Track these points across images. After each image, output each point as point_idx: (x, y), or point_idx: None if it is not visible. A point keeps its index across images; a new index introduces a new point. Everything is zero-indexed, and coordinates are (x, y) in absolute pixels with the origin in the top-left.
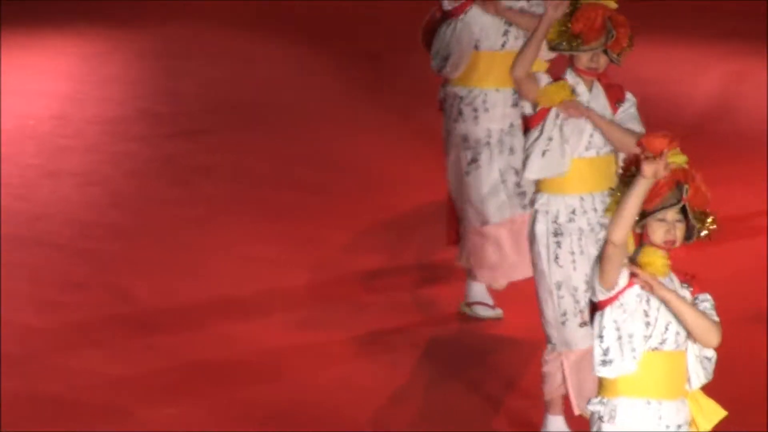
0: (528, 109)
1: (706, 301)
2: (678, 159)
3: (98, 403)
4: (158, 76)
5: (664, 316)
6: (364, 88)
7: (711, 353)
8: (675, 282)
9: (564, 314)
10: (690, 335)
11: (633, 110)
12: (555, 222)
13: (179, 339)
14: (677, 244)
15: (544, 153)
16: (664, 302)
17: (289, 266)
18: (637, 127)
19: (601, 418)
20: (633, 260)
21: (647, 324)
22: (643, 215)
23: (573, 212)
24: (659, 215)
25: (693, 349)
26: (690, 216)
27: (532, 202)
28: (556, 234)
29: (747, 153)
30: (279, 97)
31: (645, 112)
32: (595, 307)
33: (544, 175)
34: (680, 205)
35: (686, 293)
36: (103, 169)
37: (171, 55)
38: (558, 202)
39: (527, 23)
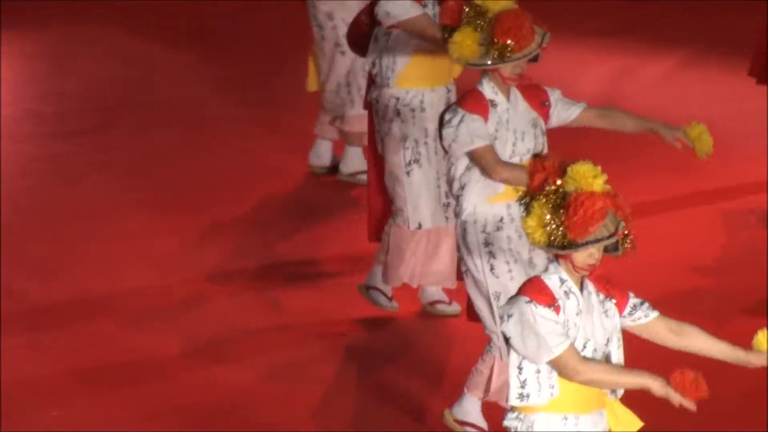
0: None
1: (640, 306)
2: (600, 181)
3: None
4: (44, 77)
5: (583, 334)
6: (240, 87)
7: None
8: (594, 297)
9: None
10: None
11: (561, 99)
12: (484, 231)
13: (67, 338)
14: (598, 261)
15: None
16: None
17: (182, 262)
18: (578, 103)
19: None
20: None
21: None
22: (573, 244)
23: (501, 221)
24: (590, 247)
25: (617, 360)
26: (619, 245)
27: (458, 213)
28: (487, 244)
29: (631, 149)
30: (164, 96)
31: None
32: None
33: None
34: (614, 239)
35: (610, 306)
36: None
37: (56, 55)
38: (485, 212)
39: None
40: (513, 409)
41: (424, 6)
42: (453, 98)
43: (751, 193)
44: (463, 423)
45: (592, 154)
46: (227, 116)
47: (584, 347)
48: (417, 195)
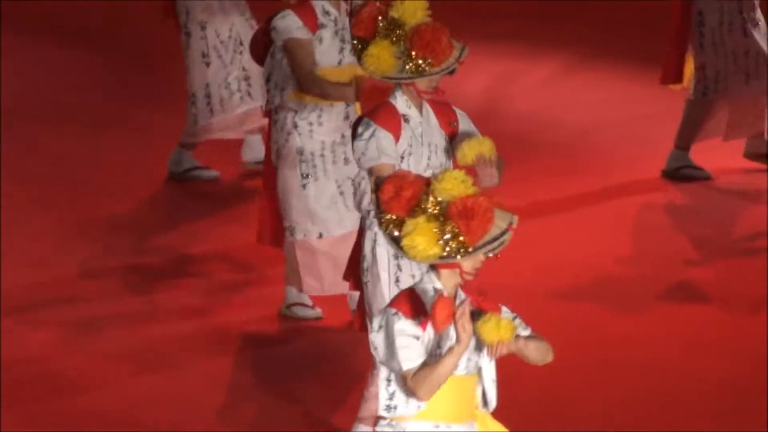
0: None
1: (515, 319)
2: (470, 183)
3: None
4: None
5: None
6: (128, 88)
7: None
8: (467, 303)
9: None
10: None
11: (465, 123)
12: None
13: None
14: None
15: None
16: (518, 352)
17: (74, 264)
18: (477, 133)
19: None
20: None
21: (439, 355)
22: (468, 251)
23: None
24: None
25: (489, 373)
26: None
27: (368, 224)
28: (396, 257)
29: (517, 154)
30: (46, 98)
31: None
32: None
33: None
34: (509, 236)
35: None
36: None
37: None
38: None
39: None
40: (384, 416)
41: (322, 27)
42: (352, 112)
43: (641, 193)
44: None
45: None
46: (111, 117)
47: None
48: (314, 207)
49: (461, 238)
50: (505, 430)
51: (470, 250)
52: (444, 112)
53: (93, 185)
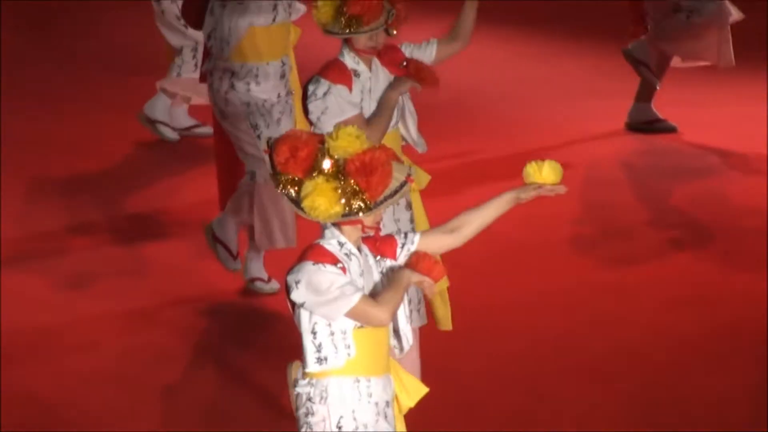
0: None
1: (405, 239)
2: (364, 138)
3: None
4: None
5: (374, 294)
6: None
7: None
8: (371, 258)
9: None
10: None
11: (413, 46)
12: None
13: None
14: (380, 45)
15: None
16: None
17: (40, 244)
18: (429, 44)
19: (311, 399)
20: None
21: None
22: (372, 206)
23: None
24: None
25: (404, 311)
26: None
27: None
28: None
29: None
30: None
31: None
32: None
33: None
34: (408, 187)
35: (384, 263)
36: None
37: None
38: None
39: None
40: (304, 375)
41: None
42: (288, 71)
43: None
44: None
45: None
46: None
47: None
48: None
49: (362, 195)
50: (418, 382)
51: (372, 206)
52: (391, 57)
53: (62, 145)
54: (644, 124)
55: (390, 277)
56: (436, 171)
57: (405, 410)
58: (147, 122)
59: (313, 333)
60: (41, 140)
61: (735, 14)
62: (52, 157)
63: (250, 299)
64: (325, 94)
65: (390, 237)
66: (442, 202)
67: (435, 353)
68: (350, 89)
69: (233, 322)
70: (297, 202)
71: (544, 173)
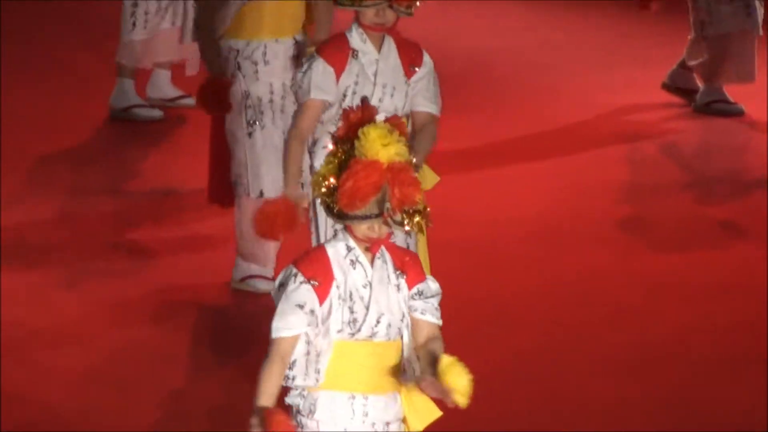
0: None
1: (431, 297)
2: (390, 151)
3: None
4: None
5: (376, 307)
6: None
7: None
8: (390, 268)
9: None
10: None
11: (427, 80)
12: None
13: None
14: (382, 237)
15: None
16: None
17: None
18: (431, 105)
19: (300, 412)
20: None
21: (353, 321)
22: (341, 215)
23: None
24: (358, 222)
25: (410, 341)
26: (390, 223)
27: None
28: None
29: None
30: None
31: None
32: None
33: None
34: (380, 219)
35: (401, 281)
36: None
37: None
38: None
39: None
40: (295, 386)
41: None
42: (304, 48)
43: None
44: None
45: None
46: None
47: (378, 322)
48: (258, 160)
49: (335, 198)
50: (432, 404)
51: (341, 214)
52: (410, 52)
53: (30, 126)
54: (711, 104)
55: (269, 393)
56: (452, 146)
57: None
58: (120, 114)
59: None
60: (18, 119)
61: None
62: (29, 136)
63: (246, 293)
64: (308, 69)
65: (422, 273)
66: (461, 182)
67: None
68: (339, 72)
69: (230, 316)
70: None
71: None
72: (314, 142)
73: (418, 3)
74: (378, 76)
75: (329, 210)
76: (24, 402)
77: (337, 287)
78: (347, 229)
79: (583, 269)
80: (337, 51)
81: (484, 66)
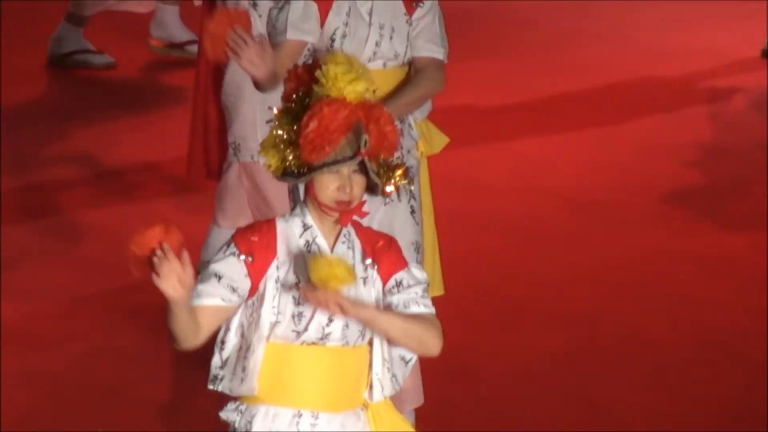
0: None
1: (413, 286)
2: (357, 87)
3: None
4: None
5: None
6: None
7: (409, 355)
8: (355, 256)
9: None
10: (402, 346)
11: (432, 16)
12: None
13: None
14: (354, 203)
15: None
16: (367, 323)
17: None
18: (436, 47)
19: (236, 431)
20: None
21: (298, 315)
22: (308, 168)
23: None
24: (328, 170)
25: (381, 350)
26: (370, 171)
27: None
28: None
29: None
30: None
31: None
32: None
33: None
34: (357, 160)
35: (371, 273)
36: None
37: None
38: None
39: None
40: (236, 398)
41: None
42: None
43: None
44: None
45: None
46: None
47: (330, 320)
48: (252, 117)
49: (296, 150)
50: (403, 419)
51: (306, 168)
52: None
53: None
54: None
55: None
56: (472, 101)
57: None
58: (62, 61)
59: (222, 342)
60: None
61: None
62: None
63: None
64: (285, 5)
65: (400, 260)
66: (485, 146)
67: (456, 347)
68: (324, 10)
69: None
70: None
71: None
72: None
73: None
74: (373, 15)
75: (287, 171)
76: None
77: (277, 268)
78: (308, 196)
79: (636, 251)
80: None
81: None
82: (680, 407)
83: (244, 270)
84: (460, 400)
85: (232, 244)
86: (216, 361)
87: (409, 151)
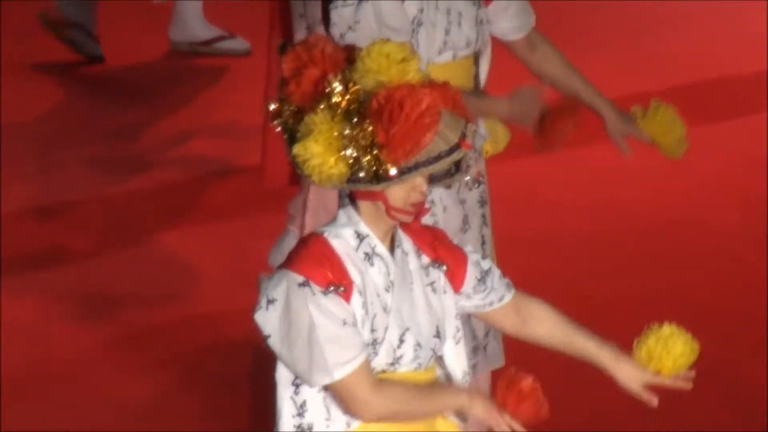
0: None
1: (488, 278)
2: (413, 65)
3: None
4: None
5: (398, 321)
6: None
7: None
8: (414, 262)
9: None
10: None
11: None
12: None
13: None
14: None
15: None
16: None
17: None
18: (526, 17)
19: None
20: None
21: (373, 342)
22: (390, 173)
23: None
24: (425, 169)
25: (456, 361)
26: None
27: None
28: None
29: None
30: None
31: None
32: None
33: None
34: (461, 152)
35: (438, 275)
36: None
37: None
38: None
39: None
40: None
41: None
42: None
43: None
44: None
45: None
46: None
47: (401, 342)
48: None
49: (379, 153)
50: None
51: (391, 170)
52: None
53: None
54: None
55: (448, 386)
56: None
57: None
58: (48, 24)
59: (296, 386)
60: None
61: None
62: None
63: None
64: None
65: (459, 250)
66: (544, 154)
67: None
68: None
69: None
70: (289, 146)
71: (671, 358)
72: None
73: None
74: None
75: (357, 181)
76: None
77: (359, 293)
78: (362, 201)
79: (733, 281)
80: None
81: None
82: (680, 407)
83: (344, 303)
84: None
85: (309, 282)
86: (290, 408)
87: (480, 154)
